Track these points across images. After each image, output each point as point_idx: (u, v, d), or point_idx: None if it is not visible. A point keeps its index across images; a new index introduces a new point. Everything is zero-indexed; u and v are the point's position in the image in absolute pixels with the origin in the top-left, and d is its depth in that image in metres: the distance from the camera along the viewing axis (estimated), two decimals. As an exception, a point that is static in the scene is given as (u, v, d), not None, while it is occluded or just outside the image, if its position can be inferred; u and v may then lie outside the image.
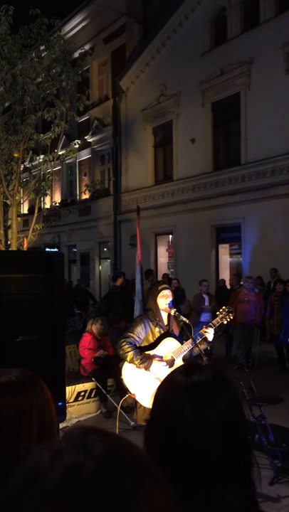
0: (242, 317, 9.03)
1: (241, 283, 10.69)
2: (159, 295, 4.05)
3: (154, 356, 3.93)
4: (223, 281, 13.21)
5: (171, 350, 3.97)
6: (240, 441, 0.87)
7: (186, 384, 0.90)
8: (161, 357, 3.96)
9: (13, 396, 1.06)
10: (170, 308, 4.04)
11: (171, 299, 4.10)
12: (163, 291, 4.08)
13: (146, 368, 3.86)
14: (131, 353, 3.86)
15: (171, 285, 7.15)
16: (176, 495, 0.80)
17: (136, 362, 3.85)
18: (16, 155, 9.79)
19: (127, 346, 3.89)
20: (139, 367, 3.87)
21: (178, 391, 0.90)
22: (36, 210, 10.07)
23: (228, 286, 12.08)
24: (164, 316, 4.09)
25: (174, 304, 4.19)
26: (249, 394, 4.95)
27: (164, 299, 4.05)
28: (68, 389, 6.45)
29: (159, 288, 4.10)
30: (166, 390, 0.94)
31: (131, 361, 3.88)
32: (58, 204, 12.66)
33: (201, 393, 0.89)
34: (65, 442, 0.50)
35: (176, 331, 4.15)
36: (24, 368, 1.15)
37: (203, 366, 0.96)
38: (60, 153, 10.75)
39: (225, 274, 14.24)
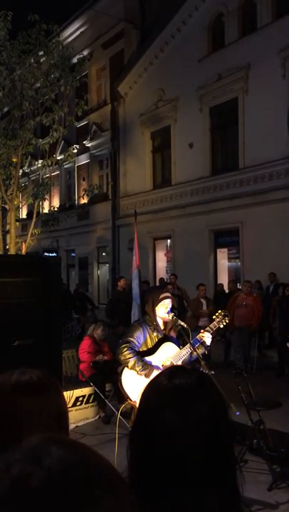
0: (240, 321, 9.02)
1: (239, 287, 10.69)
2: (160, 304, 3.96)
3: (156, 367, 3.87)
4: (221, 285, 13.20)
5: (170, 356, 3.93)
6: (222, 444, 0.85)
7: (167, 386, 0.89)
8: (160, 363, 3.92)
9: (35, 396, 1.03)
10: (168, 313, 3.98)
11: (170, 306, 4.02)
12: (164, 300, 3.97)
13: (147, 376, 3.81)
14: (132, 359, 3.80)
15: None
16: (157, 498, 0.80)
17: (137, 369, 3.80)
18: (14, 160, 9.81)
19: (128, 352, 3.82)
20: (140, 374, 3.82)
21: (159, 393, 0.89)
22: (35, 215, 10.08)
23: (227, 291, 12.07)
24: (161, 321, 4.06)
25: (172, 309, 4.14)
26: (247, 398, 4.94)
27: (164, 308, 3.96)
28: (66, 394, 6.44)
29: (161, 297, 3.98)
30: (149, 392, 0.93)
31: (132, 368, 3.82)
32: (56, 209, 12.65)
33: (182, 396, 0.87)
34: (19, 452, 0.47)
35: (174, 335, 4.13)
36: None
37: (189, 369, 0.95)
38: (58, 158, 10.76)
39: (223, 279, 14.23)
